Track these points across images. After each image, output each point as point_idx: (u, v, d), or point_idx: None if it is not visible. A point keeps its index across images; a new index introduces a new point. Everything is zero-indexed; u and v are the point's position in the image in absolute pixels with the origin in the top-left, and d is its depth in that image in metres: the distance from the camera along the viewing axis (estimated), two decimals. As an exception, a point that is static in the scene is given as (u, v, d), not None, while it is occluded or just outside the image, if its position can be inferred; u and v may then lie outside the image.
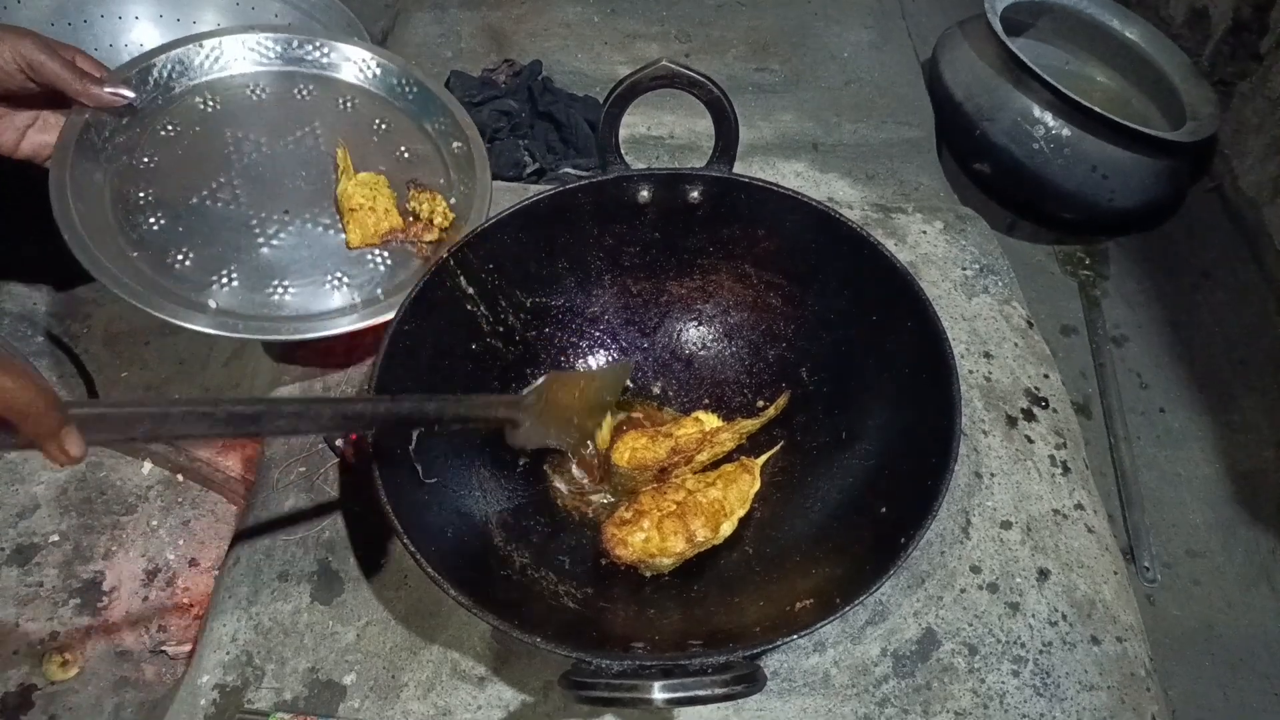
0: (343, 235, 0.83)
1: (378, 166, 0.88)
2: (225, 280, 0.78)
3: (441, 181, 0.89)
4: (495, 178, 1.03)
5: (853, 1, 1.38)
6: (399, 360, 0.71)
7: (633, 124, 1.19)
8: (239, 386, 0.99)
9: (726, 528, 0.70)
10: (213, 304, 0.76)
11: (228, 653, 0.69)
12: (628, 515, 0.69)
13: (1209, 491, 1.08)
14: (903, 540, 0.61)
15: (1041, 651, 0.72)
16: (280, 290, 0.79)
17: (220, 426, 0.50)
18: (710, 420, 0.80)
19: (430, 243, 0.84)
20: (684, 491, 0.71)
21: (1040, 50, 1.34)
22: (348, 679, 0.68)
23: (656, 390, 0.85)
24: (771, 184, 0.79)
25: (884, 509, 0.67)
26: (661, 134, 1.18)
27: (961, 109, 1.22)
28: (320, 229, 0.83)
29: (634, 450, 0.74)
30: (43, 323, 1.03)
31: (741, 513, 0.72)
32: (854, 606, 0.59)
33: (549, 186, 0.82)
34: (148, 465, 0.94)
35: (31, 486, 0.91)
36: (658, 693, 0.48)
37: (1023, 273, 1.25)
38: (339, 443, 0.78)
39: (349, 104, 0.92)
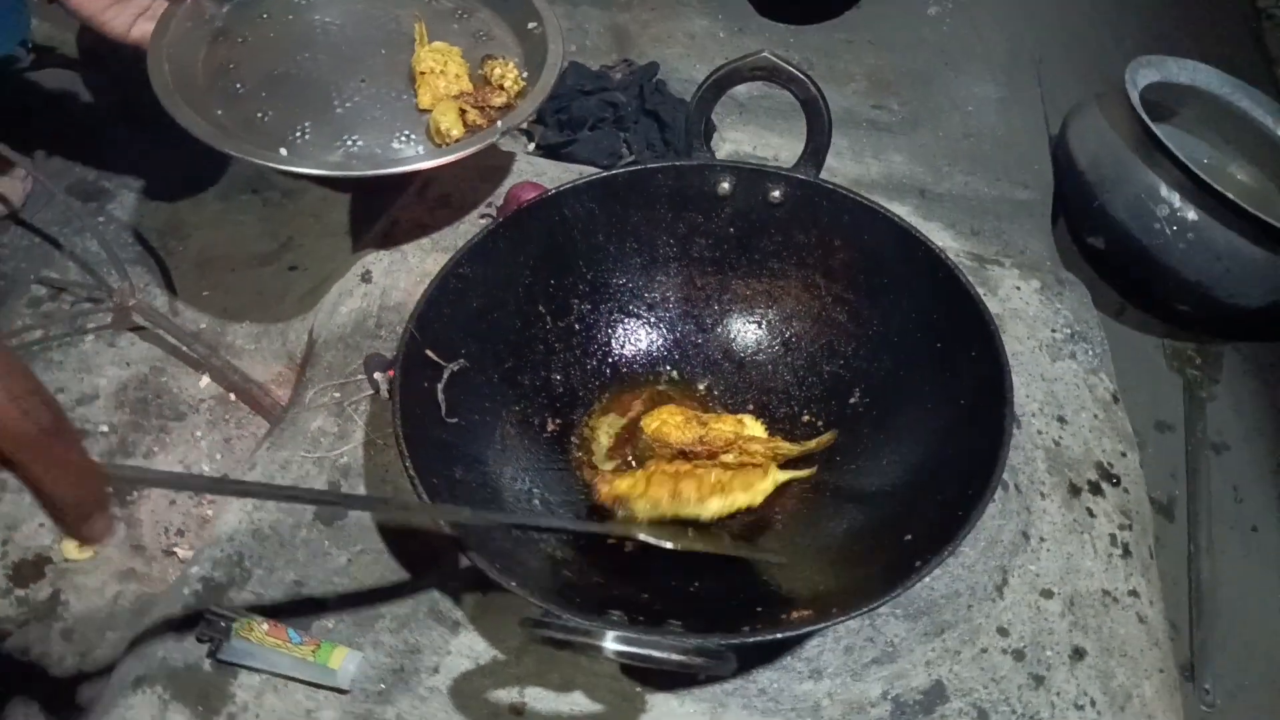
0: (415, 100, 0.87)
1: (454, 42, 0.92)
2: (299, 134, 0.84)
3: (516, 60, 0.92)
4: (588, 163, 1.04)
5: (985, 56, 1.34)
6: (447, 299, 0.72)
7: (738, 140, 1.18)
8: (320, 329, 1.01)
9: (716, 504, 0.67)
10: (284, 152, 0.81)
11: (221, 550, 0.69)
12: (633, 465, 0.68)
13: (1293, 624, 0.98)
14: (918, 564, 0.57)
15: (1061, 733, 0.66)
16: (350, 143, 0.84)
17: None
18: (754, 427, 0.77)
19: (499, 108, 0.86)
20: (691, 465, 0.68)
21: (1181, 139, 1.27)
22: (329, 599, 0.67)
23: (702, 388, 0.82)
24: (855, 194, 0.77)
25: (909, 537, 0.63)
26: (766, 155, 1.17)
27: (1083, 177, 1.16)
28: (394, 94, 0.89)
29: (664, 422, 0.71)
30: (145, 234, 1.08)
31: (742, 502, 0.69)
32: (849, 618, 0.55)
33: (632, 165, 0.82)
34: (205, 380, 0.96)
35: (97, 378, 0.95)
36: (610, 641, 0.45)
37: (1125, 360, 1.17)
38: (377, 375, 0.78)
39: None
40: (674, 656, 0.46)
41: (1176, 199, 1.08)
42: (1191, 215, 1.08)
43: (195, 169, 1.13)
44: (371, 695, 0.62)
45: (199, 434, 0.93)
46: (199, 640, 0.63)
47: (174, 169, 1.13)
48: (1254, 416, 1.15)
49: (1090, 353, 0.92)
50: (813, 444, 0.74)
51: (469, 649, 0.65)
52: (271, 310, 1.03)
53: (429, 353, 0.69)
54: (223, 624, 0.62)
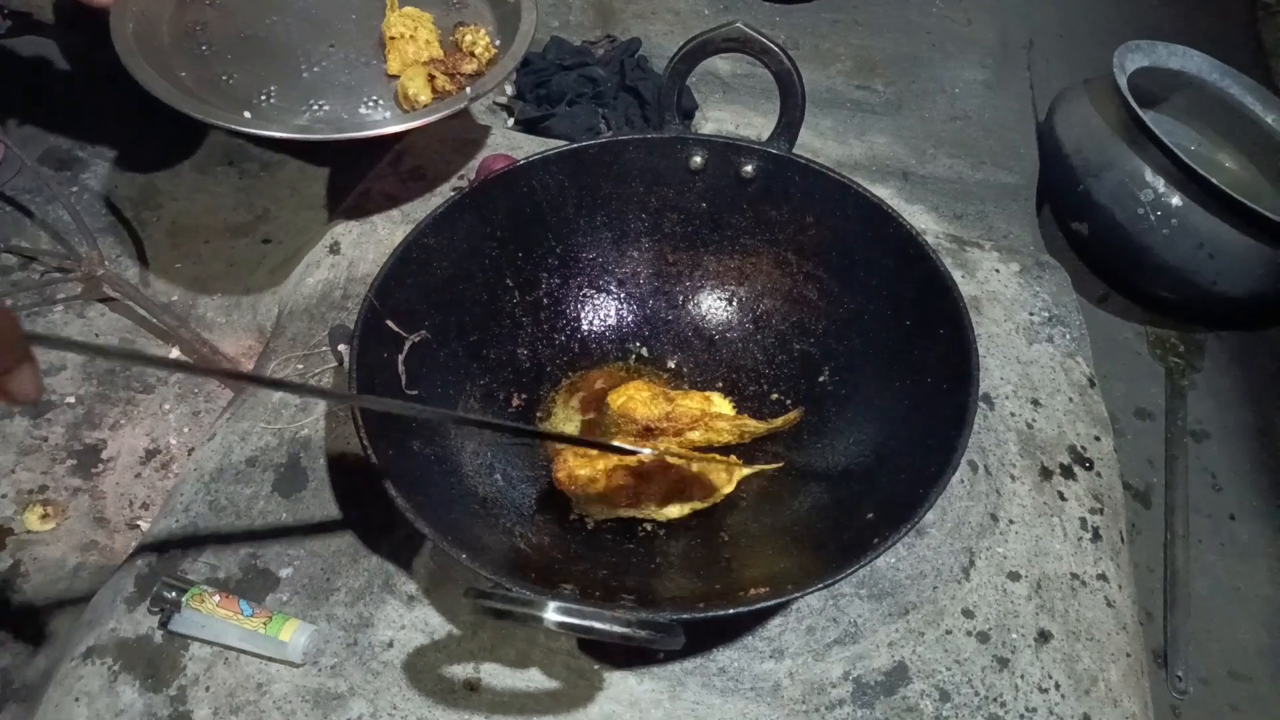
0: (384, 65, 0.87)
1: (426, 8, 0.92)
2: (264, 98, 0.83)
3: (488, 28, 0.92)
4: (565, 138, 1.02)
5: (974, 40, 1.33)
6: (410, 270, 0.70)
7: (721, 120, 1.16)
8: (288, 300, 1.00)
9: (673, 510, 0.67)
10: (248, 115, 0.80)
11: (176, 521, 0.68)
12: (591, 451, 0.66)
13: (1268, 614, 0.97)
14: (875, 541, 0.56)
15: (1023, 716, 0.65)
16: (317, 107, 0.83)
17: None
18: (721, 405, 0.76)
19: (469, 75, 0.85)
20: (652, 461, 0.67)
21: (1169, 126, 1.26)
22: (284, 572, 0.66)
23: (672, 365, 0.81)
24: (827, 169, 0.76)
25: (871, 515, 0.62)
26: (749, 135, 1.16)
27: (1068, 161, 1.15)
28: (363, 59, 0.88)
29: (630, 398, 0.70)
30: (118, 204, 1.06)
31: (699, 505, 0.68)
32: (805, 594, 0.54)
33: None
34: (175, 352, 0.95)
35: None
36: (551, 612, 0.44)
37: (1107, 346, 1.16)
38: (341, 347, 0.77)
39: None
40: (617, 629, 0.45)
41: (1161, 184, 1.07)
42: (1176, 201, 1.06)
43: (171, 139, 1.12)
44: (324, 669, 0.62)
45: (167, 407, 0.92)
46: (150, 611, 0.63)
47: (150, 138, 1.11)
48: (1234, 405, 1.14)
49: (1068, 336, 0.91)
50: (779, 421, 0.73)
51: (424, 623, 0.64)
52: (243, 283, 1.02)
53: (389, 323, 0.67)
54: (174, 595, 0.61)
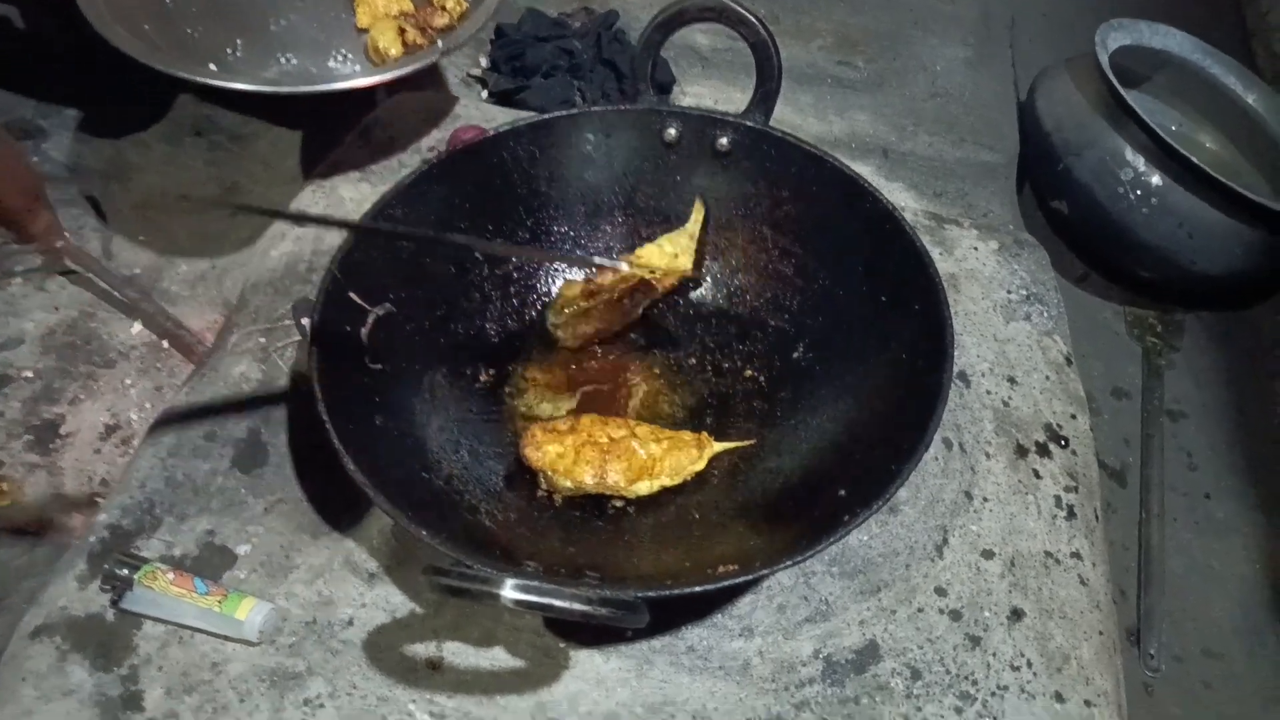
0: (354, 19, 0.86)
1: None
2: (231, 52, 0.82)
3: None
4: (539, 111, 1.00)
5: (956, 18, 1.32)
6: (376, 241, 0.69)
7: (699, 94, 1.15)
8: (251, 273, 0.98)
9: (643, 487, 0.66)
10: (213, 68, 0.79)
11: (131, 497, 0.66)
12: (562, 426, 0.65)
13: (1242, 592, 0.97)
14: (846, 518, 0.55)
15: (994, 694, 0.64)
16: (285, 61, 0.83)
17: None
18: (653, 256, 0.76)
19: (440, 29, 0.84)
20: (626, 430, 0.66)
21: (1151, 106, 1.25)
22: (242, 549, 0.64)
23: (643, 341, 0.79)
24: (804, 142, 0.75)
25: (844, 492, 0.61)
26: (729, 110, 1.14)
27: (1048, 140, 1.14)
28: (332, 13, 0.88)
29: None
30: (84, 175, 1.04)
31: (668, 483, 0.67)
32: (773, 571, 0.53)
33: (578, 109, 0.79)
34: (137, 326, 0.93)
35: (23, 322, 0.91)
36: (508, 590, 0.43)
37: (1084, 327, 1.16)
38: (304, 320, 0.75)
39: None
40: (577, 606, 0.44)
41: (1141, 163, 1.06)
42: (1156, 180, 1.06)
43: (139, 107, 1.09)
44: (282, 648, 0.60)
45: (129, 381, 0.90)
46: (102, 589, 0.61)
47: (117, 107, 1.09)
48: (1212, 385, 1.14)
49: (1045, 314, 0.90)
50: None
51: (385, 601, 0.62)
52: (210, 257, 1.00)
53: (353, 295, 0.66)
54: (125, 572, 0.59)
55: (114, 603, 0.60)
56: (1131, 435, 1.07)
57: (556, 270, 0.79)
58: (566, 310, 0.75)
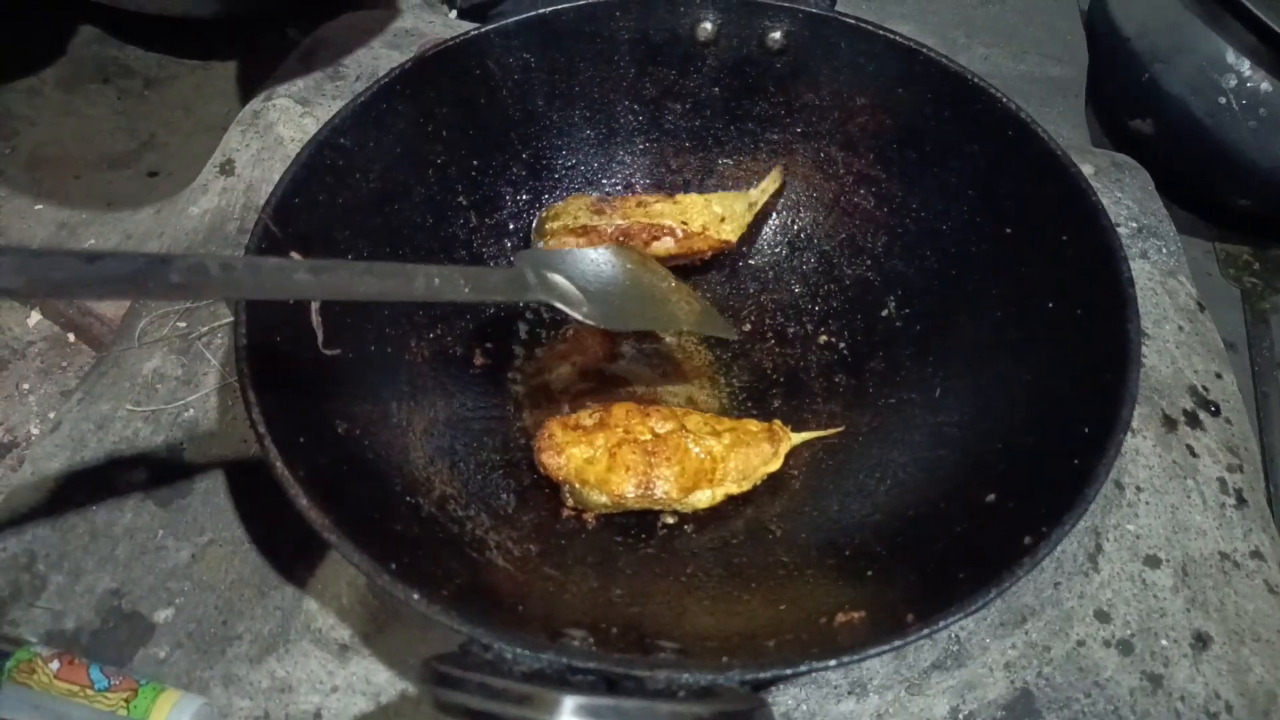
0: None
1: None
2: None
3: None
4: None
5: (1006, -88, 1.14)
6: (321, 181, 0.51)
7: None
8: (163, 235, 0.79)
9: (702, 497, 0.49)
10: None
11: (5, 547, 0.48)
12: (587, 421, 0.48)
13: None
14: (1028, 541, 0.38)
15: (1193, 754, 0.48)
16: None
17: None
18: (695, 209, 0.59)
19: None
20: (674, 423, 0.48)
21: None
22: (161, 615, 0.46)
23: (683, 303, 0.62)
24: (887, 30, 0.56)
25: (992, 496, 0.44)
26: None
27: (1128, 46, 0.96)
28: None
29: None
30: (-38, 132, 0.85)
31: (734, 490, 0.50)
32: (936, 630, 0.35)
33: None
34: (35, 316, 0.75)
35: (-115, 320, 0.73)
36: (568, 715, 0.25)
37: (1170, 267, 0.99)
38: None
39: None
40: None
41: (1247, 67, 0.89)
42: (1265, 86, 0.89)
43: (27, 46, 0.89)
44: (219, 760, 0.42)
45: (26, 386, 0.72)
46: (-45, 687, 0.43)
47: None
48: (1326, 329, 0.98)
49: (1165, 250, 0.73)
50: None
51: (363, 681, 0.45)
52: (124, 225, 0.81)
53: (294, 255, 0.47)
54: (-13, 663, 0.41)
55: (-32, 710, 0.42)
56: (1243, 392, 0.91)
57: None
58: (562, 218, 0.58)
